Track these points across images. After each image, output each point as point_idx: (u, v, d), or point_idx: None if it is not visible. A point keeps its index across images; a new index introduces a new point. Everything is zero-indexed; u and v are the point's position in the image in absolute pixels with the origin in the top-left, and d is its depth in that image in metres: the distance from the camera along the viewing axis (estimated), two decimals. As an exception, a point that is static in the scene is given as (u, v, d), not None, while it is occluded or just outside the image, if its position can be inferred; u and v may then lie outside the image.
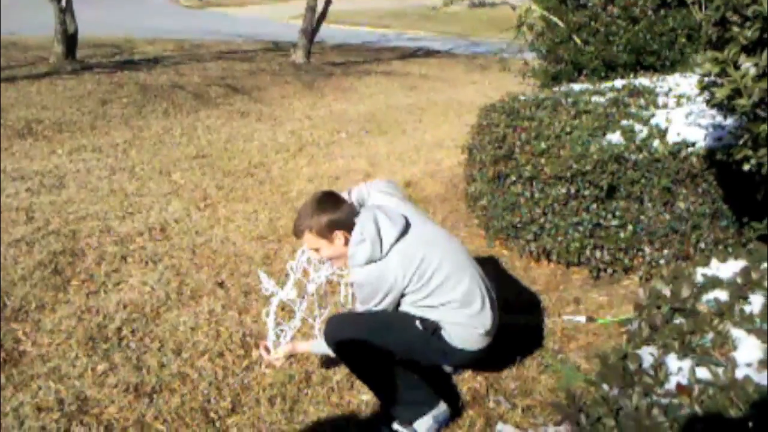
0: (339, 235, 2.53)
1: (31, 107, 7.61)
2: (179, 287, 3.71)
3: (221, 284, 3.78)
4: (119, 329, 3.26)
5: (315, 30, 12.67)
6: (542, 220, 3.94)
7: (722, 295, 1.87)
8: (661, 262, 3.67)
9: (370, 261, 2.48)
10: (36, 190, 5.11)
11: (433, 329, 2.54)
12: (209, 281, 3.80)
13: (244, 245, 4.31)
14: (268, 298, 2.93)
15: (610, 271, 3.81)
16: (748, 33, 2.45)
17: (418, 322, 2.54)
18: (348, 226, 2.52)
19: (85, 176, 5.51)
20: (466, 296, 2.55)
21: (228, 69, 11.10)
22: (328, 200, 2.58)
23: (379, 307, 2.55)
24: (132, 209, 4.83)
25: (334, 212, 2.53)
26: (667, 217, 3.64)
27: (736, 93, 2.51)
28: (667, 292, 1.94)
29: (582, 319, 3.41)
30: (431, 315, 2.55)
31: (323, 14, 12.75)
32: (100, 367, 2.96)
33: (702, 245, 3.63)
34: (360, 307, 2.62)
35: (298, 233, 2.60)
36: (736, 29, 2.50)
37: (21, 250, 4.04)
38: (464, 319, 2.56)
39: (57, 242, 4.19)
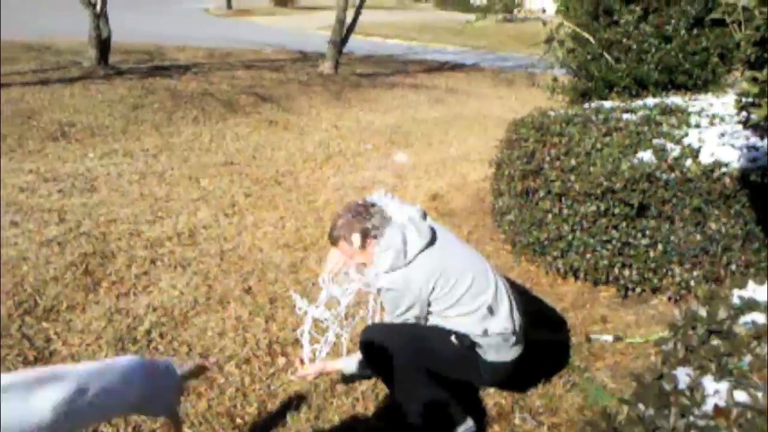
0: (372, 243, 2.60)
1: (65, 111, 7.74)
2: (207, 292, 3.74)
3: (248, 291, 3.80)
4: (148, 332, 3.29)
5: (344, 41, 12.77)
6: (570, 236, 3.92)
7: (760, 318, 1.84)
8: (691, 283, 3.63)
9: (395, 268, 2.53)
10: (68, 191, 5.19)
11: (468, 346, 2.55)
12: (237, 287, 3.82)
13: (271, 253, 4.34)
14: (301, 314, 2.93)
15: (638, 290, 3.78)
16: (789, 54, 2.43)
17: (453, 337, 2.55)
18: (381, 234, 2.58)
19: (116, 180, 5.58)
20: (493, 302, 2.58)
21: (257, 78, 11.21)
22: (363, 210, 2.63)
23: (408, 316, 2.56)
24: (161, 214, 4.89)
25: (367, 221, 2.60)
26: (698, 237, 3.60)
27: (775, 114, 2.49)
28: (703, 312, 1.91)
29: (609, 338, 3.38)
30: (461, 327, 2.56)
31: (352, 26, 12.85)
32: (129, 369, 2.98)
33: (733, 267, 3.59)
34: (388, 317, 2.64)
35: (333, 241, 2.69)
36: (776, 50, 2.48)
37: (53, 251, 4.11)
38: (494, 326, 2.56)
39: (88, 244, 4.25)
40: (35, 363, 3.00)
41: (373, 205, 2.68)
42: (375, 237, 2.59)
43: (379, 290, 2.64)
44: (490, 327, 2.56)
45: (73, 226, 4.50)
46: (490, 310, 2.57)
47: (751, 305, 1.88)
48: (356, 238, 2.61)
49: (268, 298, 3.72)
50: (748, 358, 1.71)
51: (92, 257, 4.07)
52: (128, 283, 3.79)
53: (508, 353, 2.62)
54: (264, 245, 4.46)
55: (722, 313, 1.85)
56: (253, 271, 4.05)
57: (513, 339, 2.60)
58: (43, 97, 8.28)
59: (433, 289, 2.53)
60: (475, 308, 2.56)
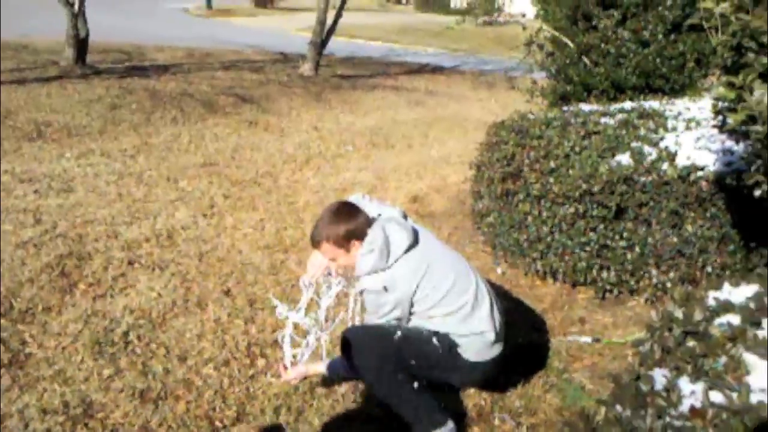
0: (356, 245, 2.58)
1: (41, 110, 7.64)
2: (186, 294, 3.71)
3: (227, 292, 3.78)
4: (126, 334, 3.26)
5: (324, 43, 12.75)
6: (549, 238, 3.95)
7: (735, 319, 1.87)
8: (668, 284, 3.67)
9: (378, 269, 2.53)
10: (44, 192, 5.13)
11: (449, 346, 2.55)
12: (215, 289, 3.80)
13: (251, 254, 4.32)
14: (281, 318, 2.92)
15: (615, 292, 3.81)
16: (765, 60, 2.47)
17: (434, 339, 2.55)
18: (364, 235, 2.56)
19: (93, 180, 5.52)
20: (474, 302, 2.59)
21: (237, 78, 11.16)
22: (346, 211, 2.63)
23: (390, 317, 2.57)
24: (139, 215, 4.84)
25: (350, 222, 2.58)
26: (675, 240, 3.64)
27: (751, 119, 2.53)
28: (679, 314, 1.94)
29: (588, 339, 3.41)
30: (443, 327, 2.56)
31: (332, 28, 12.83)
32: (106, 372, 2.96)
33: (709, 269, 3.64)
34: (370, 318, 2.64)
35: (315, 243, 2.64)
36: (751, 56, 2.52)
37: (28, 252, 4.05)
38: (475, 326, 2.57)
39: (64, 245, 4.19)
40: (10, 366, 2.96)
41: (354, 206, 2.67)
42: (358, 238, 2.57)
43: (361, 291, 2.64)
44: (472, 326, 2.57)
45: (49, 228, 4.45)
46: (472, 310, 2.58)
47: (726, 307, 1.91)
48: (339, 240, 2.58)
49: (248, 300, 3.70)
50: (723, 360, 1.73)
51: (68, 259, 4.02)
52: (105, 285, 3.75)
53: (489, 352, 2.63)
54: (243, 247, 4.44)
55: (698, 315, 1.88)
56: (233, 273, 4.03)
57: (493, 338, 2.61)
58: (19, 96, 8.17)
59: (417, 289, 2.54)
60: (457, 308, 2.57)
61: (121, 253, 4.18)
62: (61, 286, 3.69)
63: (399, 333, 2.55)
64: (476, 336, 2.58)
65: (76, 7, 10.01)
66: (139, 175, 5.81)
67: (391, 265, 2.54)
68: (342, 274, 2.79)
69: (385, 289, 2.53)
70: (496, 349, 2.66)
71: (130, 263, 4.05)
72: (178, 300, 3.64)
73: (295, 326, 2.86)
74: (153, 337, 3.27)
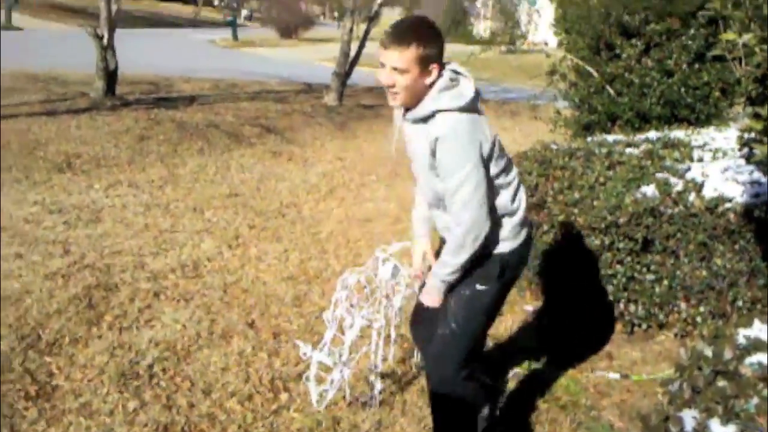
0: (433, 72, 2.26)
1: (71, 142, 7.79)
2: (210, 326, 3.73)
3: (251, 325, 3.79)
4: (150, 366, 3.27)
5: (348, 73, 12.89)
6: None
7: (766, 358, 1.83)
8: (698, 319, 3.61)
9: (452, 108, 2.26)
10: (73, 223, 5.21)
11: (488, 272, 2.44)
12: (240, 321, 3.81)
13: (275, 285, 4.34)
14: (305, 359, 2.93)
15: (644, 326, 3.75)
16: (791, 92, 2.44)
17: (478, 285, 2.43)
18: (441, 68, 2.30)
19: (121, 211, 5.60)
20: (518, 178, 2.50)
21: (262, 109, 11.30)
22: (438, 31, 2.30)
23: (472, 180, 2.24)
24: (165, 246, 4.89)
25: (440, 43, 2.27)
26: (704, 273, 3.59)
27: (778, 152, 2.50)
28: (708, 352, 1.90)
29: (616, 375, 3.36)
30: (501, 200, 2.41)
31: (356, 58, 12.98)
32: (131, 405, 2.96)
33: (739, 303, 3.57)
34: (452, 182, 2.26)
35: (399, 41, 2.21)
36: (777, 88, 2.50)
37: (56, 284, 4.11)
38: (520, 203, 2.47)
39: (92, 276, 4.25)
40: (37, 399, 2.98)
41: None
42: (438, 65, 2.26)
43: (433, 152, 2.27)
44: (519, 201, 2.46)
45: (77, 258, 4.51)
46: (519, 184, 2.48)
47: (756, 345, 1.87)
48: (426, 53, 2.21)
49: (272, 333, 3.70)
50: (755, 401, 1.69)
51: (96, 290, 4.06)
52: (131, 317, 3.78)
53: (521, 236, 2.49)
54: (268, 278, 4.46)
55: (728, 354, 1.84)
56: (257, 305, 4.04)
57: (524, 217, 2.50)
58: (49, 128, 8.34)
59: (493, 144, 2.32)
60: (512, 179, 2.44)
61: (148, 284, 4.22)
62: (88, 318, 3.73)
63: (462, 324, 2.44)
64: (519, 213, 2.46)
65: (105, 40, 10.25)
66: (166, 205, 5.88)
67: (470, 110, 2.29)
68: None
69: (468, 132, 2.23)
70: (525, 233, 2.52)
71: (156, 295, 4.08)
72: (203, 332, 3.66)
73: (320, 363, 2.86)
74: (178, 369, 3.28)
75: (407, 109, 2.34)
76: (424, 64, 2.21)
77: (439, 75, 2.27)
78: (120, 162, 7.26)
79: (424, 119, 2.29)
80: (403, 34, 2.21)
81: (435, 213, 2.52)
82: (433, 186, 2.37)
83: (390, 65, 2.22)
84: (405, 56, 2.19)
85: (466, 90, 2.30)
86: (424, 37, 2.22)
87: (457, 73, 2.34)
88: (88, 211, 5.52)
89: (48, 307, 3.80)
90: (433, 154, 2.27)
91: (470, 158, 2.23)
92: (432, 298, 2.47)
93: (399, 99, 2.28)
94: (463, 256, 2.33)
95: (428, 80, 2.25)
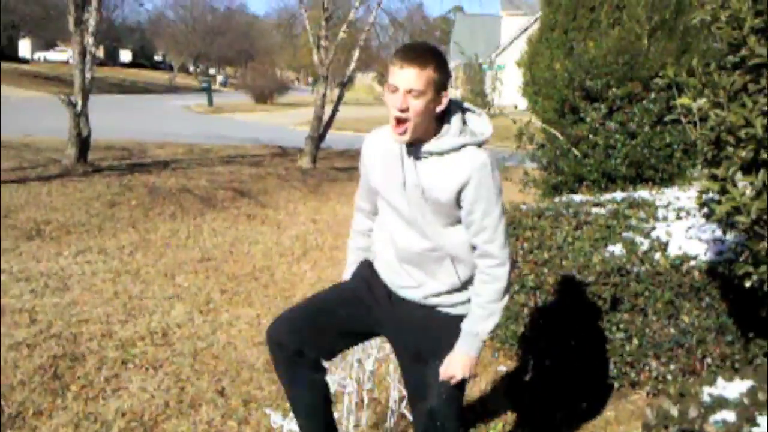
0: (444, 100, 2.14)
1: (41, 208, 7.73)
2: (179, 395, 3.65)
3: (221, 392, 3.72)
4: (116, 438, 3.19)
5: (322, 137, 13.05)
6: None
7: (730, 415, 1.85)
8: (668, 377, 3.62)
9: (482, 143, 2.21)
10: (40, 291, 5.12)
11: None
12: (209, 389, 3.74)
13: (246, 351, 4.28)
14: (276, 428, 2.88)
15: (616, 385, 3.75)
16: (743, 153, 2.54)
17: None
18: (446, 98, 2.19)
19: (90, 278, 5.53)
20: None
21: (236, 173, 11.35)
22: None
23: (503, 212, 2.21)
24: (135, 312, 4.82)
25: (449, 78, 2.17)
26: (672, 330, 3.63)
27: (736, 210, 2.57)
28: (674, 411, 1.92)
29: (589, 435, 3.34)
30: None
31: (330, 122, 13.17)
32: (95, 479, 2.87)
33: (708, 360, 3.60)
34: (491, 220, 2.17)
35: (418, 60, 2.06)
36: (730, 149, 2.59)
37: (21, 354, 4.01)
38: None
39: (58, 346, 4.16)
40: (-4, 475, 2.88)
41: None
42: (446, 93, 2.15)
43: (463, 186, 2.14)
44: None
45: (43, 328, 4.42)
46: None
47: (720, 402, 1.89)
48: (441, 78, 2.09)
49: (242, 400, 3.63)
50: (721, 459, 1.70)
51: (62, 360, 3.97)
52: (98, 387, 3.69)
53: None
54: (239, 343, 4.40)
55: (693, 412, 1.86)
56: (227, 371, 3.98)
57: None
58: (20, 195, 8.28)
59: None
60: None
61: (116, 352, 4.14)
62: (53, 389, 3.63)
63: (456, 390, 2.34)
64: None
65: (79, 107, 10.30)
66: (137, 271, 5.82)
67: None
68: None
69: (496, 168, 2.16)
70: None
71: (124, 363, 4.00)
72: (171, 401, 3.58)
73: None
74: (144, 440, 3.20)
75: (409, 145, 2.18)
76: (438, 89, 2.09)
77: (447, 106, 2.16)
78: (90, 228, 7.20)
79: (442, 153, 2.17)
80: (423, 53, 2.09)
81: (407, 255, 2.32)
82: (435, 223, 2.22)
83: (405, 87, 2.05)
84: (424, 76, 2.05)
85: (485, 124, 2.25)
86: (441, 60, 2.10)
87: (463, 107, 2.28)
88: (56, 279, 5.44)
89: (11, 378, 3.70)
90: (461, 189, 2.15)
91: (500, 195, 2.19)
92: (472, 365, 2.31)
93: (408, 130, 2.10)
94: (507, 298, 2.27)
95: (439, 109, 2.13)
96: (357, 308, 2.45)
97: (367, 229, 2.58)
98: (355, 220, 2.63)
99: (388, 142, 2.25)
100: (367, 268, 2.53)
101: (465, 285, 2.30)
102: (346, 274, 2.66)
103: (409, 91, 2.05)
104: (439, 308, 2.33)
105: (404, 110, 2.06)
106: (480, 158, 2.15)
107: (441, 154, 2.16)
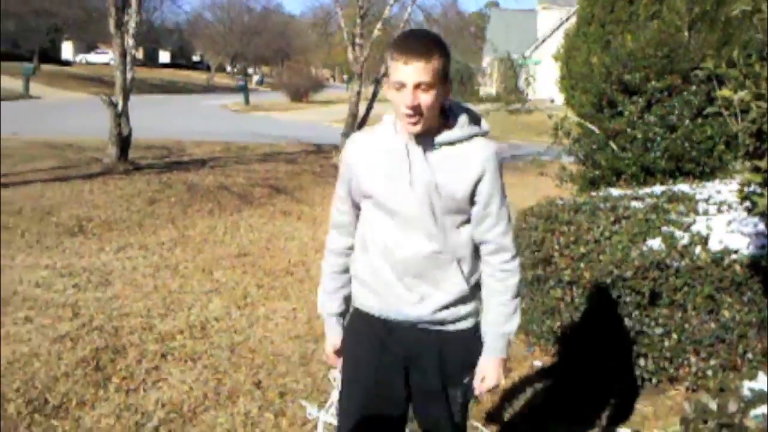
0: (449, 86, 2.05)
1: (83, 206, 7.91)
2: (217, 387, 3.71)
3: (258, 384, 3.77)
4: (156, 428, 3.25)
5: (356, 134, 13.09)
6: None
7: (772, 410, 1.81)
8: (708, 372, 3.56)
9: (474, 134, 2.12)
10: (83, 286, 5.25)
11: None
12: (246, 381, 3.79)
13: (282, 345, 4.33)
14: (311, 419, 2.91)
15: (654, 380, 3.70)
16: (786, 145, 2.48)
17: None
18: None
19: (131, 273, 5.65)
20: None
21: (272, 170, 11.46)
22: None
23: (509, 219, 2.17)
24: (174, 307, 4.91)
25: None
26: (713, 325, 3.56)
27: (777, 203, 2.52)
28: (713, 405, 1.88)
29: (627, 430, 3.30)
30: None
31: (364, 119, 13.21)
32: (136, 468, 2.94)
33: (750, 355, 3.52)
34: (504, 211, 2.14)
35: (423, 52, 1.94)
36: (773, 141, 2.53)
37: (65, 346, 4.12)
38: None
39: (100, 339, 4.26)
40: (41, 462, 2.96)
41: None
42: (450, 85, 2.06)
43: (479, 178, 2.07)
44: None
45: (86, 321, 4.53)
46: None
47: (761, 397, 1.86)
48: (446, 67, 1.99)
49: (278, 392, 3.68)
50: (761, 454, 1.67)
51: (104, 352, 4.07)
52: (138, 379, 3.77)
53: None
54: (275, 337, 4.45)
55: (732, 406, 1.82)
56: (264, 364, 4.03)
57: None
58: (62, 193, 8.49)
59: None
60: None
61: (155, 345, 4.22)
62: (95, 380, 3.72)
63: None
64: None
65: (120, 107, 10.51)
66: (176, 267, 5.92)
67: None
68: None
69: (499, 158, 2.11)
70: None
71: (164, 356, 4.08)
72: (210, 393, 3.64)
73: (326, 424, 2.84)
74: (184, 431, 3.25)
75: (416, 136, 2.05)
76: (444, 78, 1.98)
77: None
78: (131, 224, 7.35)
79: (453, 143, 2.07)
80: (426, 43, 1.96)
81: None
82: (442, 222, 2.09)
83: (413, 82, 1.92)
84: (430, 68, 1.93)
85: (482, 119, 2.17)
86: (442, 45, 1.99)
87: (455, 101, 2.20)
88: (98, 274, 5.57)
89: (55, 370, 3.81)
90: (478, 182, 2.06)
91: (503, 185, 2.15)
92: (501, 372, 2.21)
93: (421, 122, 1.99)
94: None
95: (446, 96, 2.04)
96: (389, 389, 2.25)
97: (345, 247, 2.30)
98: (331, 239, 2.34)
99: (387, 142, 2.12)
100: (363, 331, 2.30)
101: (472, 293, 2.16)
102: (329, 327, 2.44)
103: (418, 86, 1.93)
104: (448, 325, 2.17)
105: (415, 107, 1.95)
106: (490, 148, 2.08)
107: (452, 143, 2.06)
